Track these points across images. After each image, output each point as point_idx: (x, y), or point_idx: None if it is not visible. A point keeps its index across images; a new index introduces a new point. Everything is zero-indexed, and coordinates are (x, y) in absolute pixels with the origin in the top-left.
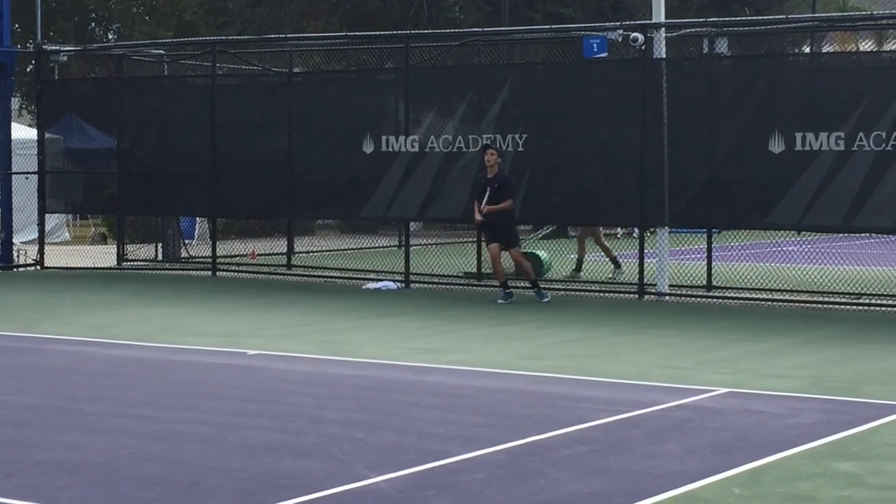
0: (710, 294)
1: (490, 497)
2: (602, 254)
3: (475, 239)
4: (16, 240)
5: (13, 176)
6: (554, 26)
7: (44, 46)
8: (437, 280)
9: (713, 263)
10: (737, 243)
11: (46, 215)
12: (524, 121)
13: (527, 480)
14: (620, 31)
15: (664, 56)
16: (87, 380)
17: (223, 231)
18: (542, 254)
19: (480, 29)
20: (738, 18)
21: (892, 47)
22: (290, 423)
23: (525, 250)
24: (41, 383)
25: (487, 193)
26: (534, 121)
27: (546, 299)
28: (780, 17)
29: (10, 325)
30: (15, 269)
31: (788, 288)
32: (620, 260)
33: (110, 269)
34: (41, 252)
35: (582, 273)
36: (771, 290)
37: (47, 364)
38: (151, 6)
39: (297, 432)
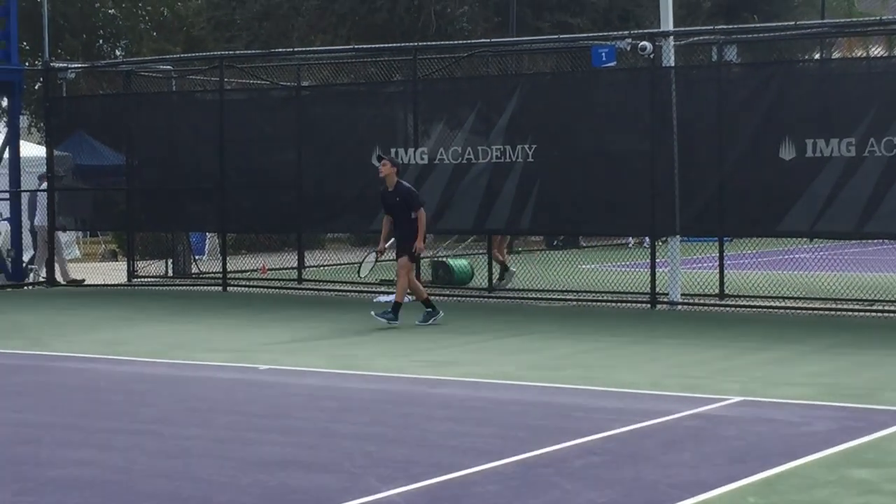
0: (723, 303)
1: None
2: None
3: (485, 251)
4: (25, 257)
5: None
6: (562, 36)
7: (52, 64)
8: (448, 292)
9: (725, 272)
10: (749, 251)
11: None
12: (533, 131)
13: (540, 492)
14: (629, 40)
15: (673, 64)
16: (99, 397)
17: (233, 246)
18: (460, 262)
19: (488, 40)
20: (746, 26)
21: None
22: (302, 438)
23: (439, 258)
24: (52, 401)
25: (394, 209)
26: (543, 131)
27: (430, 322)
28: (790, 23)
29: (20, 342)
30: (25, 287)
31: (801, 295)
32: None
33: (121, 285)
34: (51, 270)
35: (510, 282)
36: (784, 298)
37: (58, 382)
38: (159, 22)
39: (309, 446)
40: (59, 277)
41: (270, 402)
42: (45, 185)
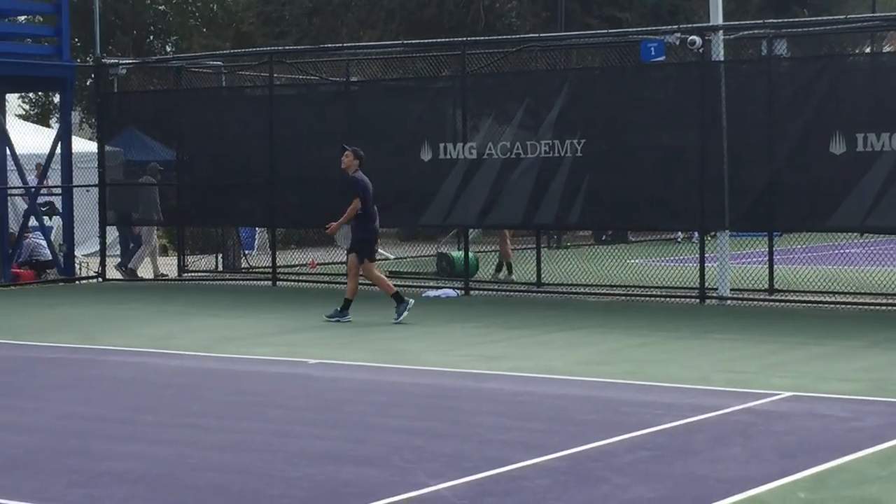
0: (773, 297)
1: None
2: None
3: (534, 245)
4: (77, 252)
5: (74, 189)
6: (611, 31)
7: (103, 60)
8: (496, 287)
9: (775, 266)
10: (799, 246)
11: (107, 228)
12: (582, 126)
13: (590, 486)
14: (678, 35)
15: (722, 59)
16: (149, 390)
17: (283, 241)
18: (457, 254)
19: (537, 35)
20: (796, 20)
21: None
22: (351, 432)
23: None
24: (103, 394)
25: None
26: (592, 126)
27: (399, 318)
28: (840, 17)
29: (72, 336)
30: (77, 282)
31: (851, 290)
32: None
33: (171, 280)
34: (102, 264)
35: (513, 275)
36: (834, 293)
37: (109, 375)
38: (209, 18)
39: (358, 440)
40: (130, 270)
41: (319, 396)
42: (144, 179)
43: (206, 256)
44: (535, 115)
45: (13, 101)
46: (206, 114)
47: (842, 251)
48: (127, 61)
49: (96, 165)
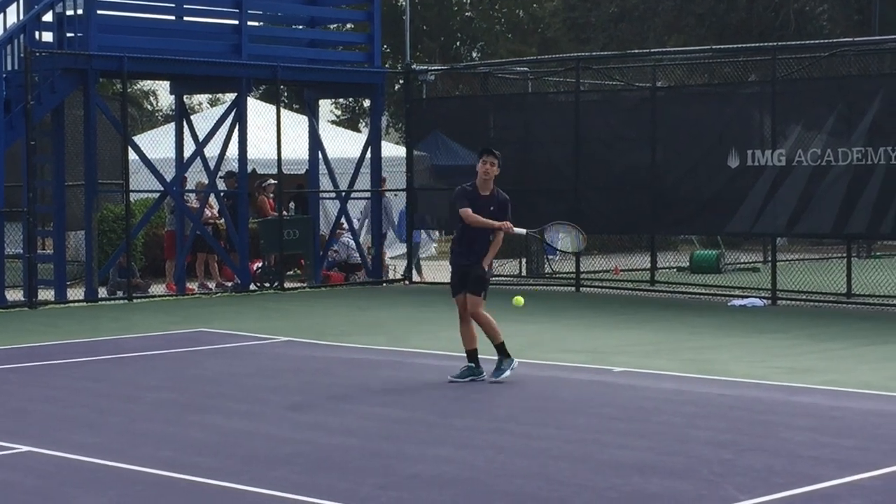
0: None
1: None
2: None
3: (845, 255)
4: (386, 255)
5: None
6: None
7: (413, 66)
8: (804, 297)
9: None
10: None
11: (414, 231)
12: None
13: None
14: None
15: None
16: (456, 394)
17: (586, 247)
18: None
19: (850, 39)
20: None
21: None
22: (658, 443)
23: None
24: (412, 397)
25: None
26: None
27: (500, 376)
28: None
29: (381, 338)
30: (384, 284)
31: None
32: None
33: None
34: (409, 267)
35: None
36: None
37: (417, 377)
38: (514, 24)
39: (665, 452)
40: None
41: (625, 404)
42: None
43: (511, 261)
44: (847, 122)
45: (325, 106)
46: (512, 119)
47: None
48: (436, 67)
49: (404, 170)
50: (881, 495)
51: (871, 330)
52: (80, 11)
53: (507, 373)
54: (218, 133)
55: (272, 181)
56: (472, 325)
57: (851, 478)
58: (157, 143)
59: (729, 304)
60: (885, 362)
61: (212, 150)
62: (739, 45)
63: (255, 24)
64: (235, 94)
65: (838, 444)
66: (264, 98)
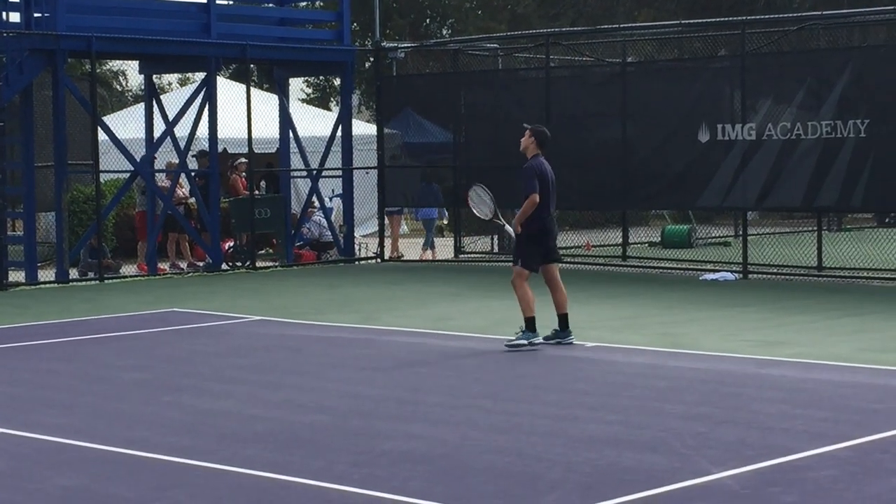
0: None
1: (841, 495)
2: None
3: (815, 228)
4: (356, 233)
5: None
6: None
7: (382, 44)
8: (775, 270)
9: None
10: None
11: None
12: (866, 106)
13: (879, 479)
14: None
15: None
16: (428, 371)
17: (557, 222)
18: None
19: (819, 12)
20: None
21: None
22: (631, 417)
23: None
24: (384, 374)
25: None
26: (877, 106)
27: (515, 342)
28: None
29: (352, 316)
30: (356, 262)
31: None
32: None
33: (448, 261)
34: (381, 245)
35: None
36: None
37: (389, 354)
38: (484, 1)
39: (638, 426)
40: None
41: (597, 379)
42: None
43: (483, 238)
44: (816, 96)
45: (295, 85)
46: (483, 96)
47: None
48: (406, 45)
49: (375, 148)
50: (853, 466)
51: (841, 302)
52: None
53: (521, 342)
54: (188, 113)
55: (244, 160)
56: (556, 291)
57: (823, 449)
58: (127, 124)
59: (700, 278)
60: (856, 334)
61: (182, 130)
62: (709, 20)
63: (224, 2)
64: (205, 73)
65: (809, 415)
66: (234, 77)
